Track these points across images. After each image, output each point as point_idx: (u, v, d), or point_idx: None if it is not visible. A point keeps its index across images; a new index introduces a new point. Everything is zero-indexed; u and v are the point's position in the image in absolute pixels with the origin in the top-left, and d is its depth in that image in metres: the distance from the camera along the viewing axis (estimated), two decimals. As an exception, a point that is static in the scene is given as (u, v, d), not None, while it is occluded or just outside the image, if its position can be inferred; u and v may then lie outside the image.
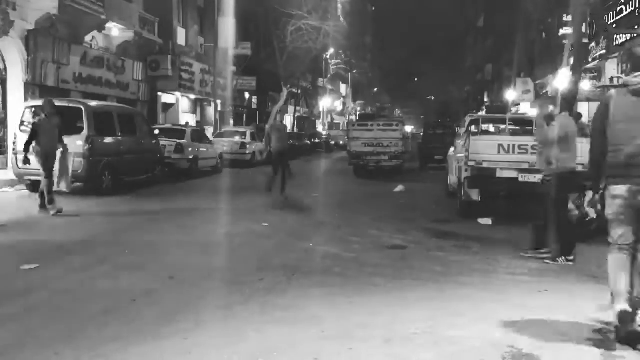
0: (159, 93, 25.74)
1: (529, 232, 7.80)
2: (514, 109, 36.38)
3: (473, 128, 13.40)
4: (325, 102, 56.84)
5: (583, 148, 9.71)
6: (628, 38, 16.93)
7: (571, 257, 7.19)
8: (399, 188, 15.80)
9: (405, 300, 5.45)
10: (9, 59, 16.67)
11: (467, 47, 72.79)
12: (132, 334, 4.44)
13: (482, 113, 24.47)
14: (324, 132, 47.64)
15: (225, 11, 29.33)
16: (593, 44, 20.85)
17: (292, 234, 8.92)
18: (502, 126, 14.84)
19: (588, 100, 22.88)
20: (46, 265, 6.48)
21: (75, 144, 12.34)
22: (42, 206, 9.98)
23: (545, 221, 7.48)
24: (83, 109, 12.60)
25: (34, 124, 10.38)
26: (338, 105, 64.50)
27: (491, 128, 16.36)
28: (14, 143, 12.72)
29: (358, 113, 62.99)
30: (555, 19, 27.61)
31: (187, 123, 24.63)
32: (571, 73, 18.50)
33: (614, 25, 17.29)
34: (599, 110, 4.59)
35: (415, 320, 4.77)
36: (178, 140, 17.72)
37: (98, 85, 20.39)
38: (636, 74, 4.39)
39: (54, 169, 10.25)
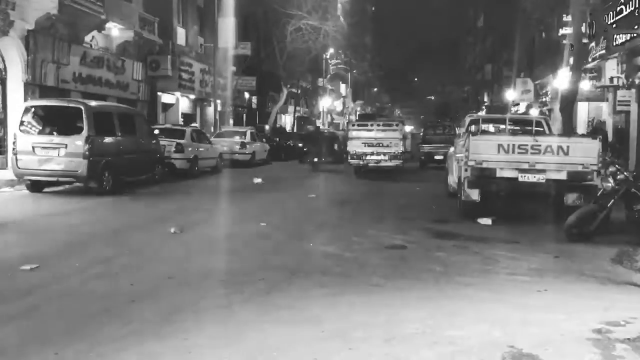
0: (159, 93, 25.74)
1: None
2: (513, 109, 36.48)
3: (473, 128, 13.39)
4: (325, 102, 56.80)
5: (585, 147, 9.81)
6: (628, 38, 16.92)
7: None
8: (257, 180, 16.94)
9: (405, 300, 5.45)
10: (9, 59, 16.66)
11: (467, 47, 72.81)
12: (131, 334, 4.44)
13: (482, 113, 24.49)
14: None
15: (225, 11, 29.30)
16: (593, 44, 20.84)
17: (292, 234, 8.91)
18: (502, 126, 14.84)
19: (588, 100, 22.91)
20: (46, 265, 6.47)
21: (75, 143, 12.36)
22: None
23: None
24: (83, 109, 12.59)
25: None
26: (338, 105, 64.44)
27: (491, 128, 16.35)
28: (14, 143, 12.72)
29: (358, 113, 62.96)
30: (555, 18, 27.60)
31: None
32: (571, 73, 18.52)
33: (614, 25, 17.27)
34: None
35: (415, 320, 4.77)
36: (178, 140, 17.72)
37: (98, 85, 20.38)
38: None
39: None
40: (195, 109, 30.36)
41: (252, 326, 4.64)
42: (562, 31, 24.63)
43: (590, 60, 21.06)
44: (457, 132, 19.95)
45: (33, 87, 16.97)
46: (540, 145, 9.76)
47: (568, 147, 9.71)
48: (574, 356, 4.08)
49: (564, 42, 24.01)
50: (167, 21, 25.18)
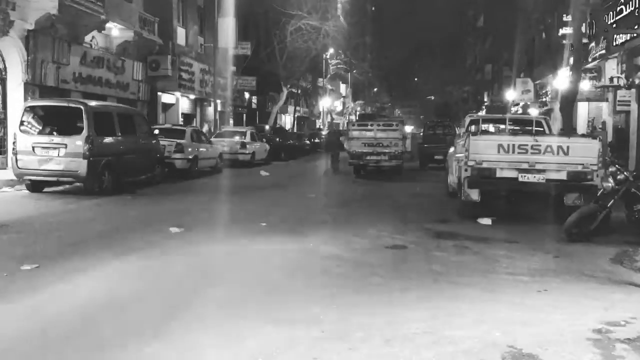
0: (159, 93, 25.74)
1: None
2: (513, 109, 36.49)
3: (473, 128, 13.39)
4: (325, 102, 56.83)
5: (585, 147, 9.82)
6: (628, 38, 16.93)
7: None
8: (264, 173, 18.52)
9: (405, 300, 5.45)
10: (9, 59, 16.66)
11: (467, 47, 72.81)
12: (131, 334, 4.44)
13: (482, 113, 24.48)
14: (323, 132, 47.65)
15: (225, 11, 29.31)
16: (593, 44, 20.84)
17: (292, 234, 8.91)
18: (502, 126, 14.84)
19: (588, 100, 22.92)
20: (46, 265, 6.48)
21: (75, 143, 12.36)
22: None
23: None
24: (83, 109, 12.58)
25: None
26: (338, 105, 64.45)
27: (491, 128, 16.35)
28: (13, 143, 12.72)
29: (358, 113, 62.95)
30: (555, 18, 27.61)
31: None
32: (571, 73, 18.52)
33: (614, 25, 17.28)
34: None
35: (415, 320, 4.77)
36: (178, 140, 17.72)
37: (98, 85, 20.38)
38: None
39: None
40: (195, 109, 30.36)
41: (252, 326, 4.64)
42: (562, 31, 24.64)
43: (590, 60, 21.06)
44: (457, 132, 19.95)
45: (33, 87, 16.97)
46: (540, 145, 9.76)
47: (568, 147, 9.72)
48: (573, 356, 4.08)
49: (564, 42, 24.02)
50: (167, 21, 25.18)
